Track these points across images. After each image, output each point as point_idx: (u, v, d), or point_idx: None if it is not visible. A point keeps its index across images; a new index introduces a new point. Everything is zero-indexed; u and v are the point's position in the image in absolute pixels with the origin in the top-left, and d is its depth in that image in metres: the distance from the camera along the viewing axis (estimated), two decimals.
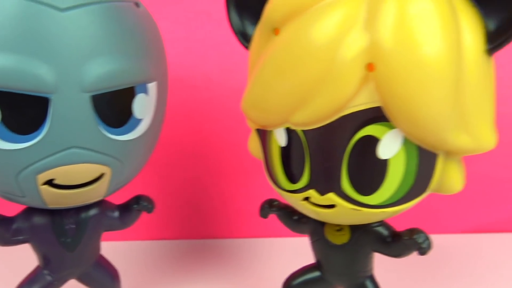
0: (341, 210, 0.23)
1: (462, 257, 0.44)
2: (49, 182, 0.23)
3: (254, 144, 0.28)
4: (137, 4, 0.26)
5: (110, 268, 0.31)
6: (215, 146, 0.46)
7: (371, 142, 0.21)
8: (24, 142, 0.22)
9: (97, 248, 0.30)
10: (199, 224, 0.48)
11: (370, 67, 0.20)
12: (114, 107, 0.24)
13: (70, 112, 0.22)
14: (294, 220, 0.29)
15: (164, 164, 0.46)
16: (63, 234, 0.27)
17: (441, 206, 0.48)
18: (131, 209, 0.30)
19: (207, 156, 0.46)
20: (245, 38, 0.27)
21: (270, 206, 0.29)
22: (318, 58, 0.20)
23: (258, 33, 0.25)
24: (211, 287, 0.38)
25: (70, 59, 0.22)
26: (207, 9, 0.43)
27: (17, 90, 0.21)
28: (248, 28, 0.27)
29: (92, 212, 0.28)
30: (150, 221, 0.47)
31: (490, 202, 0.48)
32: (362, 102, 0.20)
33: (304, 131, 0.22)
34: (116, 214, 0.30)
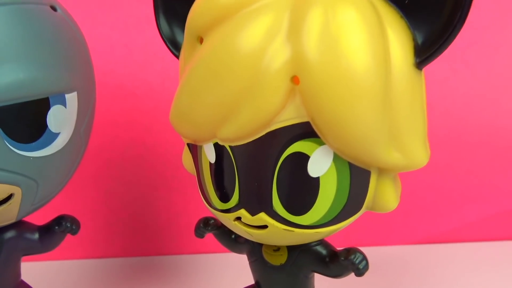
0: (274, 230, 0.21)
1: (420, 268, 0.43)
2: None
3: (187, 159, 0.26)
4: (53, 8, 0.24)
5: None
6: (159, 159, 0.44)
7: (301, 159, 0.20)
8: None
9: (16, 273, 0.27)
10: (145, 240, 0.46)
11: (295, 79, 0.18)
12: (23, 120, 0.22)
13: None
14: (232, 239, 0.27)
15: (106, 177, 0.43)
16: None
17: (398, 217, 0.47)
18: (52, 231, 0.27)
19: (152, 170, 0.44)
20: (175, 47, 0.26)
21: (205, 225, 0.28)
22: (241, 70, 0.18)
23: (184, 42, 0.23)
24: None
25: None
26: (147, 15, 0.41)
27: None
28: (178, 36, 0.25)
29: (8, 234, 0.26)
30: (92, 238, 0.45)
31: (442, 212, 0.48)
32: (289, 117, 0.19)
33: (231, 147, 0.21)
34: (36, 236, 0.27)
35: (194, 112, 0.21)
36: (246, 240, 0.27)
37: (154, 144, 0.43)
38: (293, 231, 0.21)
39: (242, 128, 0.20)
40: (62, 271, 0.42)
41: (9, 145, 0.21)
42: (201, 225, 0.28)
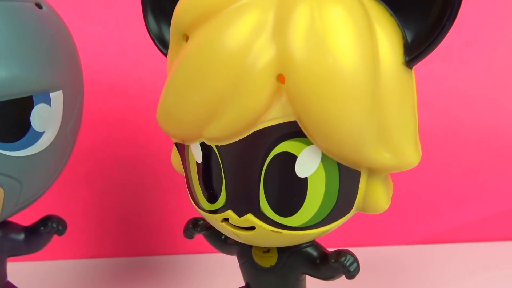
0: (261, 232, 0.21)
1: (417, 269, 0.43)
2: None
3: (176, 159, 0.26)
4: (38, 5, 0.23)
5: None
6: (151, 158, 0.43)
7: (288, 159, 0.19)
8: None
9: (2, 275, 0.27)
10: (136, 240, 0.45)
11: (281, 78, 0.18)
12: (6, 119, 0.21)
13: None
14: (221, 240, 0.27)
15: (98, 177, 0.43)
16: None
17: (394, 217, 0.47)
18: (38, 231, 0.27)
19: (144, 169, 0.43)
20: (163, 44, 0.25)
21: (194, 226, 0.27)
22: (227, 67, 0.18)
23: (170, 40, 0.23)
24: None
25: None
26: (139, 13, 0.40)
27: None
28: (166, 33, 0.25)
29: None
30: (84, 238, 0.44)
31: (439, 212, 0.48)
32: (276, 116, 0.18)
33: (218, 147, 0.20)
34: (22, 237, 0.26)
35: (180, 111, 0.20)
36: (236, 242, 0.26)
37: (146, 143, 0.43)
38: (281, 232, 0.21)
39: (228, 127, 0.19)
40: (52, 272, 0.41)
41: None
42: (190, 226, 0.27)
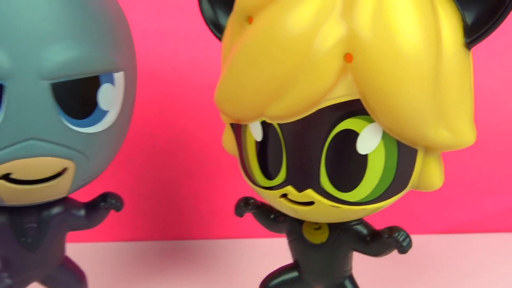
0: (320, 207, 0.22)
1: (442, 258, 0.43)
2: (6, 177, 0.21)
3: (228, 140, 0.27)
4: None
5: (76, 270, 0.29)
6: (188, 144, 0.44)
7: (350, 136, 0.20)
8: None
9: (62, 249, 0.28)
10: (173, 224, 0.46)
11: (348, 57, 0.19)
12: (77, 97, 0.22)
13: (28, 100, 0.20)
14: (271, 219, 0.28)
15: (137, 163, 0.44)
16: (23, 233, 0.25)
17: (421, 207, 0.47)
18: (98, 207, 0.28)
19: (181, 155, 0.44)
20: (217, 29, 0.26)
21: (246, 205, 0.28)
22: (294, 48, 0.19)
23: (231, 22, 0.23)
24: None
25: (26, 43, 0.20)
26: (178, 2, 0.41)
27: None
28: (221, 18, 0.26)
29: (55, 210, 0.26)
30: (122, 221, 0.46)
31: (467, 202, 0.48)
32: (340, 95, 0.19)
33: (280, 125, 0.21)
34: (82, 212, 0.28)
35: (242, 91, 0.21)
36: (286, 219, 0.27)
37: (183, 130, 0.44)
38: (339, 207, 0.22)
39: (292, 106, 0.20)
40: (91, 253, 0.43)
41: (64, 121, 0.22)
42: (242, 204, 0.28)
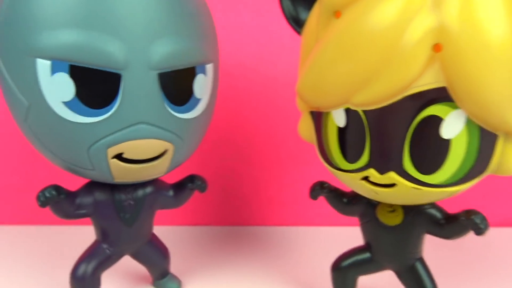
0: (401, 189, 0.23)
1: (494, 249, 0.44)
2: (118, 156, 0.24)
3: (305, 127, 0.29)
4: None
5: (161, 246, 0.32)
6: (250, 134, 0.47)
7: (435, 121, 0.21)
8: (97, 116, 0.23)
9: (151, 225, 0.31)
10: (232, 211, 0.49)
11: (437, 47, 0.20)
12: (177, 86, 0.25)
13: (140, 88, 0.23)
14: (344, 202, 0.30)
15: (199, 151, 0.47)
16: (123, 209, 0.28)
17: (472, 199, 0.48)
18: (185, 187, 0.30)
19: (242, 144, 0.47)
20: (297, 24, 0.28)
21: (321, 188, 0.30)
22: (384, 39, 0.20)
23: (315, 17, 0.25)
24: (242, 273, 0.39)
25: (140, 37, 0.23)
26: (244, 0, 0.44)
27: (90, 65, 0.22)
28: (301, 14, 0.28)
29: (149, 189, 0.29)
30: (185, 207, 0.48)
31: None
32: (426, 82, 0.21)
33: (365, 111, 0.23)
34: (171, 192, 0.30)
35: (328, 81, 0.23)
36: (359, 202, 0.29)
37: (245, 120, 0.46)
38: (420, 189, 0.23)
39: (379, 94, 0.21)
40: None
41: (167, 107, 0.24)
42: (317, 187, 0.30)
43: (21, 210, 0.47)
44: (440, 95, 0.21)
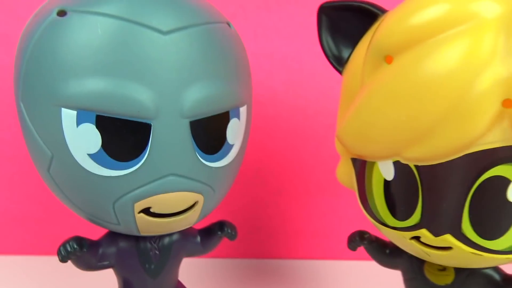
0: (458, 253, 0.21)
1: None
2: (146, 210, 0.22)
3: (345, 173, 0.26)
4: (229, 25, 0.25)
5: None
6: (277, 164, 0.45)
7: (501, 183, 0.19)
8: (124, 169, 0.21)
9: (177, 274, 0.29)
10: (257, 243, 0.47)
11: (506, 103, 0.18)
12: (210, 133, 0.23)
13: (170, 138, 0.21)
14: (387, 254, 0.27)
15: None
16: (148, 260, 0.26)
17: None
18: (214, 234, 0.29)
19: (269, 174, 0.45)
20: (338, 62, 0.26)
21: (361, 239, 0.28)
22: (445, 90, 0.18)
23: (360, 58, 0.23)
24: None
25: (171, 84, 0.21)
26: (275, 25, 0.42)
27: (118, 116, 0.20)
28: (343, 51, 0.26)
29: (175, 237, 0.27)
30: None
31: None
32: (493, 140, 0.18)
33: (418, 167, 0.21)
34: (198, 239, 0.29)
35: (376, 130, 0.21)
36: (403, 255, 0.26)
37: (274, 149, 0.44)
38: (481, 255, 0.21)
39: (436, 149, 0.19)
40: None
41: (199, 157, 0.22)
42: (357, 238, 0.28)
43: (40, 240, 0.46)
44: (508, 155, 0.19)
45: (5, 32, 0.41)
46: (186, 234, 0.28)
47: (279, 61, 0.42)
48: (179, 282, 0.30)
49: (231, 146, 0.24)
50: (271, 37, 0.42)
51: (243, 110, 0.25)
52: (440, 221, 0.21)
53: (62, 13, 0.21)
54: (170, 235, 0.27)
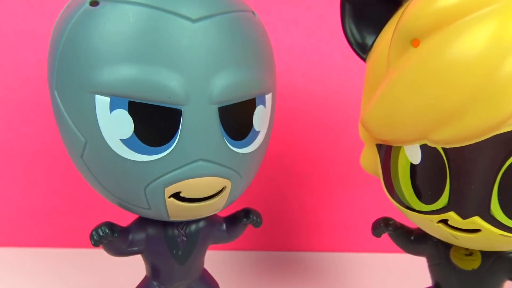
0: (487, 235, 0.21)
1: None
2: (176, 195, 0.23)
3: (369, 160, 0.27)
4: (253, 13, 0.25)
5: (212, 282, 0.31)
6: (298, 156, 0.45)
7: None
8: (155, 154, 0.22)
9: (203, 261, 0.30)
10: (279, 235, 0.47)
11: None
12: (237, 120, 0.23)
13: (200, 124, 0.22)
14: (411, 240, 0.27)
15: None
16: (175, 246, 0.27)
17: None
18: (239, 222, 0.29)
19: (290, 166, 0.45)
20: (362, 49, 0.26)
21: (386, 225, 0.28)
22: (473, 72, 0.18)
23: (385, 43, 0.23)
24: None
25: (200, 70, 0.21)
26: (294, 18, 0.42)
27: (150, 102, 0.21)
28: (367, 38, 0.26)
29: (201, 224, 0.28)
30: None
31: None
32: None
33: (445, 149, 0.21)
34: (224, 227, 0.29)
35: (403, 114, 0.21)
36: (428, 241, 0.26)
37: (294, 142, 0.44)
38: (511, 237, 0.21)
39: (465, 131, 0.19)
40: None
41: (227, 143, 0.23)
42: (382, 224, 0.28)
43: (64, 233, 0.47)
44: None
45: (31, 29, 0.42)
46: (212, 221, 0.28)
47: (298, 54, 0.43)
48: (205, 270, 0.30)
49: (257, 133, 0.25)
50: (290, 29, 0.42)
51: (268, 97, 0.25)
52: (468, 203, 0.21)
53: (94, 3, 0.22)
54: (197, 222, 0.27)
